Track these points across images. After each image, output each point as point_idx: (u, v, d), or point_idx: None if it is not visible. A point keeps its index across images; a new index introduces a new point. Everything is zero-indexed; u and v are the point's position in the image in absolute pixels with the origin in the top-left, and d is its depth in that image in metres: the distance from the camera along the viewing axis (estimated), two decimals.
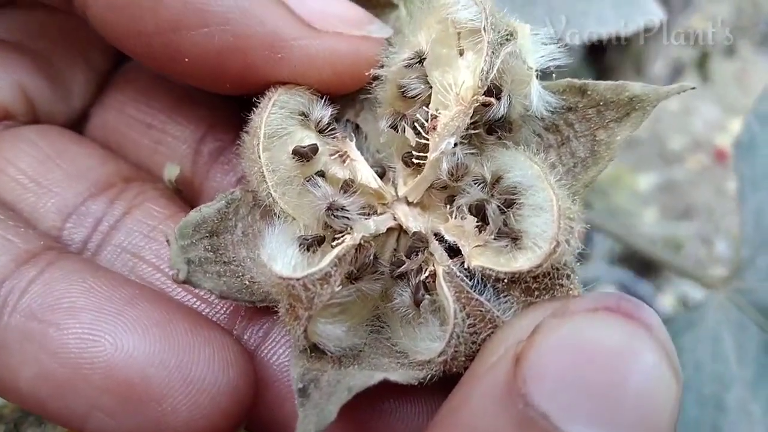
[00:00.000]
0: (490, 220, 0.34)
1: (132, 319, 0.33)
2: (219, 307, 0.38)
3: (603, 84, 0.36)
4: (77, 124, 0.46)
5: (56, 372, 0.33)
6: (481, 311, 0.33)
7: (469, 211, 0.35)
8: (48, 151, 0.41)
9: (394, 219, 0.37)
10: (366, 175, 0.37)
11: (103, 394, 0.32)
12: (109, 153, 0.43)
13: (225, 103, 0.44)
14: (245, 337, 0.37)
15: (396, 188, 0.37)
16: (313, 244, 0.34)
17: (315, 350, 0.34)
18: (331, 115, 0.37)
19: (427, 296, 0.34)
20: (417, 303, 0.35)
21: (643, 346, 0.27)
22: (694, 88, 0.35)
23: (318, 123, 0.37)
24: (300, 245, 0.34)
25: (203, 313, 0.37)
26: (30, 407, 0.35)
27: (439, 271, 0.34)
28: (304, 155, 0.36)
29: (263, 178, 0.36)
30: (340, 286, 0.33)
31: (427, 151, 0.35)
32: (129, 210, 0.40)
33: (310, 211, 0.35)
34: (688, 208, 2.47)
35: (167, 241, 0.35)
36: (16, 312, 0.34)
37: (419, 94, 0.36)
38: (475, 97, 0.34)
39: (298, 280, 0.32)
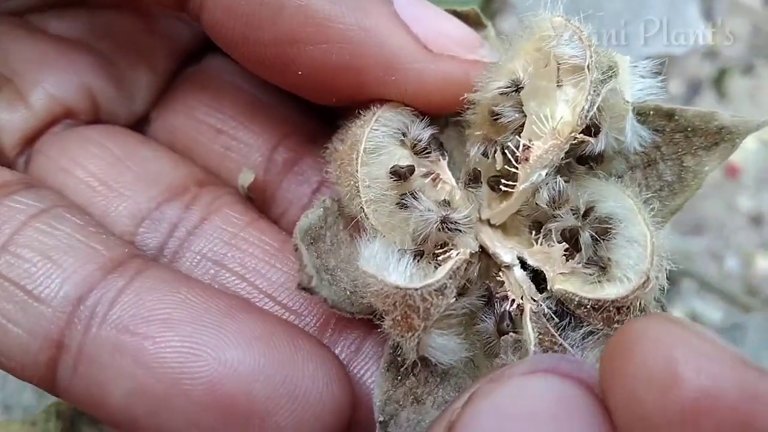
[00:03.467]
0: (582, 246, 0.34)
1: (234, 331, 0.32)
2: (309, 319, 0.37)
3: (691, 110, 0.36)
4: (138, 127, 0.45)
5: (153, 388, 0.31)
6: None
7: (562, 236, 0.35)
8: (117, 153, 0.41)
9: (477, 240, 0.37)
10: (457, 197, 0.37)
11: (204, 410, 0.31)
12: (179, 156, 0.43)
13: (299, 112, 0.44)
14: (336, 350, 0.37)
15: (479, 210, 0.37)
16: (417, 258, 0.34)
17: (412, 368, 0.34)
18: (430, 136, 0.37)
19: (510, 329, 0.34)
20: (500, 333, 0.35)
21: (575, 405, 0.25)
22: None
23: (415, 144, 0.37)
24: (414, 257, 0.34)
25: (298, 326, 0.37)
26: (121, 426, 0.34)
27: (527, 308, 0.34)
28: (402, 175, 0.36)
29: (357, 193, 0.36)
30: (455, 299, 0.33)
31: (514, 179, 0.35)
32: (207, 216, 0.39)
33: (404, 227, 0.35)
34: (698, 223, 2.47)
35: (295, 247, 0.34)
36: (106, 324, 0.33)
37: (512, 122, 0.36)
38: (572, 134, 0.33)
39: (416, 290, 0.32)
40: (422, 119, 0.37)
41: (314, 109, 0.45)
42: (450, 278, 0.32)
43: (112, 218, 0.39)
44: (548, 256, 0.35)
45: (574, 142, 0.34)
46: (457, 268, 0.33)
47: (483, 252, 0.37)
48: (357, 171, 0.36)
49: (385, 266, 0.33)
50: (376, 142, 0.36)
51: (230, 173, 0.43)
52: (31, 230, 0.35)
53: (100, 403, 0.33)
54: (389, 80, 0.36)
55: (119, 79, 0.44)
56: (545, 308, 0.34)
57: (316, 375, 0.33)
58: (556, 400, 0.25)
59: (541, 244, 0.36)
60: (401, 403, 0.34)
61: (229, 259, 0.38)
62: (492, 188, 0.37)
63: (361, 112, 0.37)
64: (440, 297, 0.32)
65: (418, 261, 0.34)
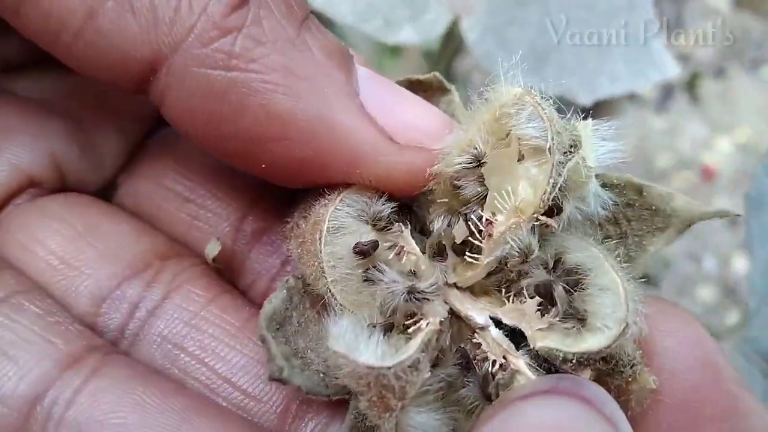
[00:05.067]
0: (557, 300, 0.34)
1: None
2: (269, 405, 0.37)
3: (656, 189, 0.36)
4: (106, 192, 0.44)
5: None
6: None
7: (536, 292, 0.34)
8: (79, 228, 0.40)
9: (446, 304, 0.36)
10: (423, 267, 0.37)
11: None
12: (144, 226, 0.42)
13: (267, 186, 0.43)
14: None
15: (446, 275, 0.37)
16: (387, 332, 0.34)
17: None
18: (391, 210, 0.37)
19: (496, 391, 0.34)
20: (486, 396, 0.34)
21: (580, 421, 0.26)
22: (738, 215, 0.35)
23: (375, 222, 0.37)
24: (383, 333, 0.33)
25: (256, 413, 0.36)
26: None
27: (520, 362, 0.34)
28: (365, 252, 0.36)
29: (322, 273, 0.35)
30: (429, 373, 0.32)
31: (479, 250, 0.35)
32: (167, 294, 0.39)
33: (371, 302, 0.35)
34: None
35: (261, 338, 0.33)
36: (62, 426, 0.32)
37: (475, 195, 0.36)
38: (534, 215, 0.33)
39: (389, 368, 0.31)
40: (382, 196, 0.37)
41: None
42: (422, 351, 0.32)
43: (73, 298, 0.38)
44: (522, 313, 0.35)
45: (536, 222, 0.34)
46: (429, 339, 0.32)
47: (454, 315, 0.36)
48: (321, 252, 0.35)
49: (356, 346, 0.32)
50: (339, 221, 0.36)
51: (198, 243, 0.42)
52: None
53: None
54: (354, 172, 0.35)
55: (88, 143, 0.43)
56: (532, 364, 0.34)
57: None
58: (559, 418, 0.26)
59: (512, 302, 0.35)
60: None
61: (189, 341, 0.38)
62: (457, 254, 0.37)
63: (326, 191, 0.37)
64: (414, 373, 0.31)
65: (388, 335, 0.34)
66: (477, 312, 0.36)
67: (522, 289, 0.35)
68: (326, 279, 0.35)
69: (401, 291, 0.34)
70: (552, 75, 0.65)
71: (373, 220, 0.37)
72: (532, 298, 0.35)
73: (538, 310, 0.34)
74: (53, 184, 0.42)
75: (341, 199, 0.36)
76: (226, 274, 0.42)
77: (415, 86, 0.40)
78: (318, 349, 0.35)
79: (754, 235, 0.70)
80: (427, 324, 0.33)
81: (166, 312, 0.38)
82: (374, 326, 0.34)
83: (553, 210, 0.34)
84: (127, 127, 0.45)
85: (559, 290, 0.34)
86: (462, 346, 0.36)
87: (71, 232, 0.39)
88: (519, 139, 0.34)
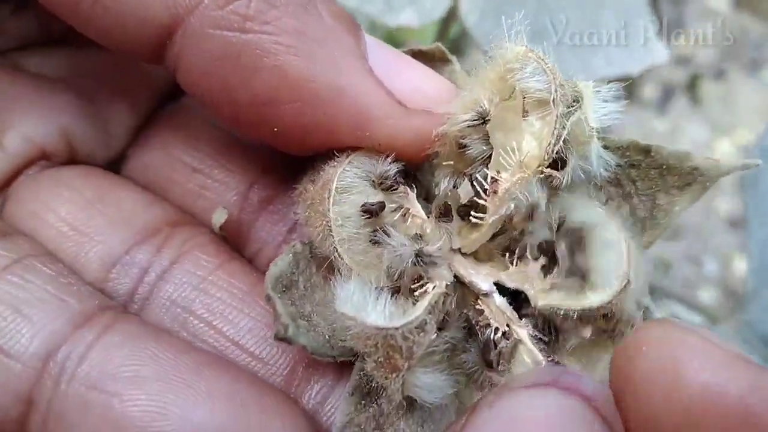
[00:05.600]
0: (559, 259, 0.35)
1: (201, 390, 0.32)
2: (276, 367, 0.37)
3: (667, 149, 0.36)
4: (115, 165, 0.45)
5: None
6: None
7: (539, 251, 0.35)
8: (89, 196, 0.40)
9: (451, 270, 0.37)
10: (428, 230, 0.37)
11: None
12: (154, 196, 0.43)
13: (274, 157, 0.44)
14: (303, 400, 0.37)
15: (451, 240, 0.38)
16: (394, 295, 0.34)
17: (377, 397, 0.34)
18: (396, 172, 0.37)
19: (497, 358, 0.34)
20: (486, 362, 0.35)
21: (575, 418, 0.26)
22: (757, 165, 0.35)
23: (382, 181, 0.37)
24: (391, 295, 0.34)
25: (263, 375, 0.37)
26: None
27: (523, 332, 0.34)
28: (372, 212, 0.36)
29: (330, 233, 0.36)
30: (435, 334, 0.32)
31: (484, 210, 0.35)
32: (177, 259, 0.39)
33: (378, 264, 0.35)
34: (676, 228, 2.50)
35: (267, 297, 0.34)
36: (74, 380, 0.32)
37: (480, 154, 0.36)
38: (539, 168, 0.34)
39: (397, 329, 0.31)
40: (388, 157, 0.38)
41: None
42: (429, 313, 0.32)
43: (83, 264, 0.38)
44: (525, 275, 0.35)
45: (541, 176, 0.34)
46: (435, 302, 0.33)
47: (458, 281, 0.37)
48: (329, 210, 0.36)
49: (363, 306, 0.32)
50: (347, 181, 0.36)
51: (205, 212, 0.43)
52: (3, 283, 0.35)
53: None
54: (363, 135, 0.36)
55: (98, 117, 0.44)
56: (534, 333, 0.34)
57: None
58: (557, 414, 0.26)
59: (516, 265, 0.36)
60: (363, 427, 0.34)
61: (197, 305, 0.38)
62: (462, 218, 0.37)
63: (336, 153, 0.37)
64: (421, 334, 0.32)
65: (395, 297, 0.34)
66: (481, 278, 0.36)
67: (525, 252, 0.36)
68: (333, 238, 0.36)
69: (409, 254, 0.34)
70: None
71: (379, 180, 0.37)
72: (536, 259, 0.35)
73: (542, 271, 0.35)
74: (64, 156, 0.42)
75: (350, 161, 0.37)
76: (233, 243, 0.43)
77: (418, 56, 0.40)
78: (324, 313, 0.36)
79: (752, 217, 0.70)
80: (434, 287, 0.34)
81: (175, 276, 0.39)
82: (381, 289, 0.34)
83: (557, 164, 0.34)
84: (137, 102, 0.45)
85: (561, 249, 0.35)
86: (465, 312, 0.37)
87: (81, 200, 0.40)
88: (523, 92, 0.35)
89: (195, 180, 0.43)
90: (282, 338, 0.33)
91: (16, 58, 0.43)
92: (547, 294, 0.34)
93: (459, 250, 0.38)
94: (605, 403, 0.27)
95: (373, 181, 0.37)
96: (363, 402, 0.35)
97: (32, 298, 0.34)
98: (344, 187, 0.36)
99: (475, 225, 0.36)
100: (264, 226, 0.43)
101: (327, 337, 0.35)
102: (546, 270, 0.35)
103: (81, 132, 0.43)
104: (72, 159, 0.43)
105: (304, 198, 0.38)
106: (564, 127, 0.34)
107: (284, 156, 0.44)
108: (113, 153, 0.45)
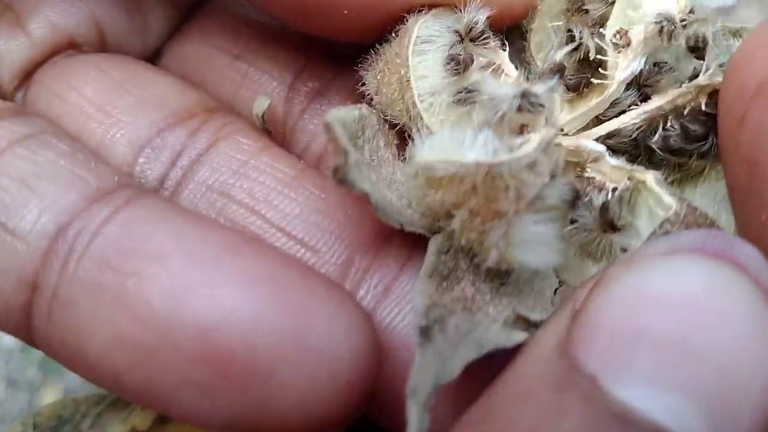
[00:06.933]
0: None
1: (234, 269, 0.26)
2: (328, 256, 0.31)
3: None
4: (151, 61, 0.40)
5: (137, 336, 0.26)
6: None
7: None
8: (117, 77, 0.36)
9: None
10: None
11: (195, 365, 0.25)
12: (190, 84, 0.38)
13: (322, 47, 0.39)
14: (361, 292, 0.30)
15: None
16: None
17: (458, 280, 0.28)
18: (487, 19, 0.31)
19: (620, 216, 0.28)
20: (608, 223, 0.28)
21: (732, 288, 0.20)
22: None
23: (471, 28, 0.31)
24: (495, 129, 0.27)
25: (313, 265, 0.31)
26: (101, 382, 0.28)
27: (649, 178, 0.28)
28: (459, 63, 0.30)
29: (409, 85, 0.30)
30: (548, 179, 0.26)
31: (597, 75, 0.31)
32: (214, 142, 0.34)
33: (467, 122, 0.30)
34: None
35: (326, 125, 0.27)
36: (84, 259, 0.27)
37: (596, 9, 0.32)
38: (679, 14, 0.29)
39: (503, 164, 0.25)
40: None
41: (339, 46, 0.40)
42: (542, 153, 0.26)
43: (109, 147, 0.34)
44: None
45: (685, 19, 0.30)
46: (548, 142, 0.26)
47: None
48: (408, 59, 0.30)
49: (457, 147, 0.26)
50: (430, 31, 0.31)
51: (246, 103, 0.38)
52: (11, 156, 0.30)
53: (77, 355, 0.27)
54: None
55: (133, 8, 0.39)
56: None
57: (332, 325, 0.26)
58: (707, 285, 0.20)
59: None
60: (449, 308, 0.27)
61: (237, 190, 0.32)
62: (568, 88, 0.32)
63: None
64: (533, 174, 0.25)
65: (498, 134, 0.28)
66: (589, 141, 0.31)
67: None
68: (413, 91, 0.30)
69: (512, 94, 0.27)
70: None
71: (466, 30, 0.31)
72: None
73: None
74: (93, 46, 0.39)
75: (430, 14, 0.31)
76: (278, 139, 0.37)
77: None
78: (391, 188, 0.30)
79: None
80: (545, 131, 0.27)
81: (212, 160, 0.33)
82: (480, 130, 0.28)
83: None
84: None
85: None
86: (570, 181, 0.30)
87: (109, 81, 0.36)
88: None
89: (235, 67, 0.39)
90: (341, 175, 0.26)
91: None
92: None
93: (560, 129, 0.32)
94: (761, 268, 0.21)
95: (459, 34, 0.31)
96: (444, 284, 0.28)
97: (43, 171, 0.29)
98: (426, 36, 0.31)
99: (586, 95, 0.31)
100: (312, 119, 0.37)
101: (393, 201, 0.29)
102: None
103: (114, 22, 0.39)
104: (102, 50, 0.39)
105: (374, 66, 0.32)
106: None
107: (331, 52, 0.39)
108: (148, 47, 0.40)
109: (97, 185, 0.29)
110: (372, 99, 0.33)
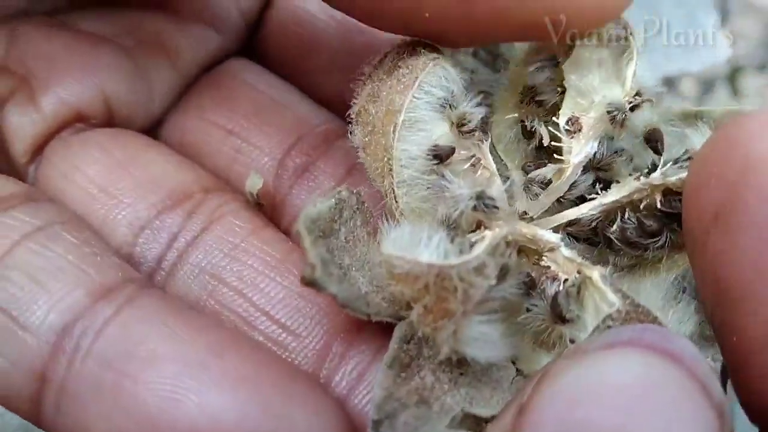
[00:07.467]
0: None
1: (219, 373, 0.29)
2: (308, 341, 0.33)
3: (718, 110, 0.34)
4: (154, 131, 0.43)
5: None
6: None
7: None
8: (119, 157, 0.38)
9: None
10: (496, 189, 0.33)
11: None
12: (186, 160, 0.40)
13: (316, 113, 0.42)
14: (337, 378, 0.33)
15: (512, 200, 0.34)
16: (451, 238, 0.29)
17: (418, 370, 0.30)
18: (485, 116, 0.33)
19: (569, 308, 0.30)
20: (558, 316, 0.30)
21: (666, 379, 0.21)
22: None
23: (462, 123, 0.33)
24: (448, 232, 0.29)
25: (294, 348, 0.33)
26: None
27: (595, 274, 0.29)
28: (441, 157, 0.32)
29: (390, 171, 0.32)
30: (495, 281, 0.27)
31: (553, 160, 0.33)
32: (208, 225, 0.36)
33: (432, 213, 0.32)
34: None
35: (297, 232, 0.29)
36: (89, 358, 0.29)
37: (548, 99, 0.34)
38: (626, 98, 0.31)
39: (452, 267, 0.27)
40: (475, 93, 0.34)
41: (332, 110, 0.43)
42: (490, 255, 0.27)
43: (111, 228, 0.36)
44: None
45: (633, 101, 0.32)
46: (497, 244, 0.28)
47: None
48: (393, 147, 0.32)
49: (415, 246, 0.28)
50: (417, 113, 0.32)
51: (240, 177, 0.40)
52: (23, 250, 0.32)
53: None
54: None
55: (139, 80, 0.42)
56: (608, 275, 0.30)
57: (311, 424, 0.29)
58: (642, 376, 0.22)
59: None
60: (404, 402, 0.29)
61: (227, 273, 0.35)
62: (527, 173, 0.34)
63: (400, 69, 0.33)
64: (480, 277, 0.27)
65: (452, 236, 0.29)
66: (545, 232, 0.32)
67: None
68: (393, 179, 0.32)
69: (468, 196, 0.30)
70: None
71: (458, 123, 0.33)
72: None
73: None
74: (101, 120, 0.41)
75: (420, 84, 0.32)
76: (268, 212, 0.40)
77: None
78: (364, 269, 0.32)
79: None
80: (496, 231, 0.29)
81: (205, 243, 0.36)
82: (436, 231, 0.29)
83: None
84: (183, 67, 0.43)
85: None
86: (527, 272, 0.32)
87: (111, 161, 0.38)
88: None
89: (229, 143, 0.41)
90: (308, 282, 0.28)
91: (66, 18, 0.42)
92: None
93: (524, 213, 0.34)
94: (695, 360, 0.22)
95: (447, 113, 0.33)
96: (403, 374, 0.30)
97: (52, 267, 0.32)
98: (413, 120, 0.32)
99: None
100: (300, 194, 0.40)
101: (363, 291, 0.30)
102: None
103: (121, 94, 0.41)
104: (110, 122, 0.41)
105: (363, 120, 0.34)
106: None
107: (324, 119, 0.42)
108: (152, 117, 0.43)
109: (101, 281, 0.32)
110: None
